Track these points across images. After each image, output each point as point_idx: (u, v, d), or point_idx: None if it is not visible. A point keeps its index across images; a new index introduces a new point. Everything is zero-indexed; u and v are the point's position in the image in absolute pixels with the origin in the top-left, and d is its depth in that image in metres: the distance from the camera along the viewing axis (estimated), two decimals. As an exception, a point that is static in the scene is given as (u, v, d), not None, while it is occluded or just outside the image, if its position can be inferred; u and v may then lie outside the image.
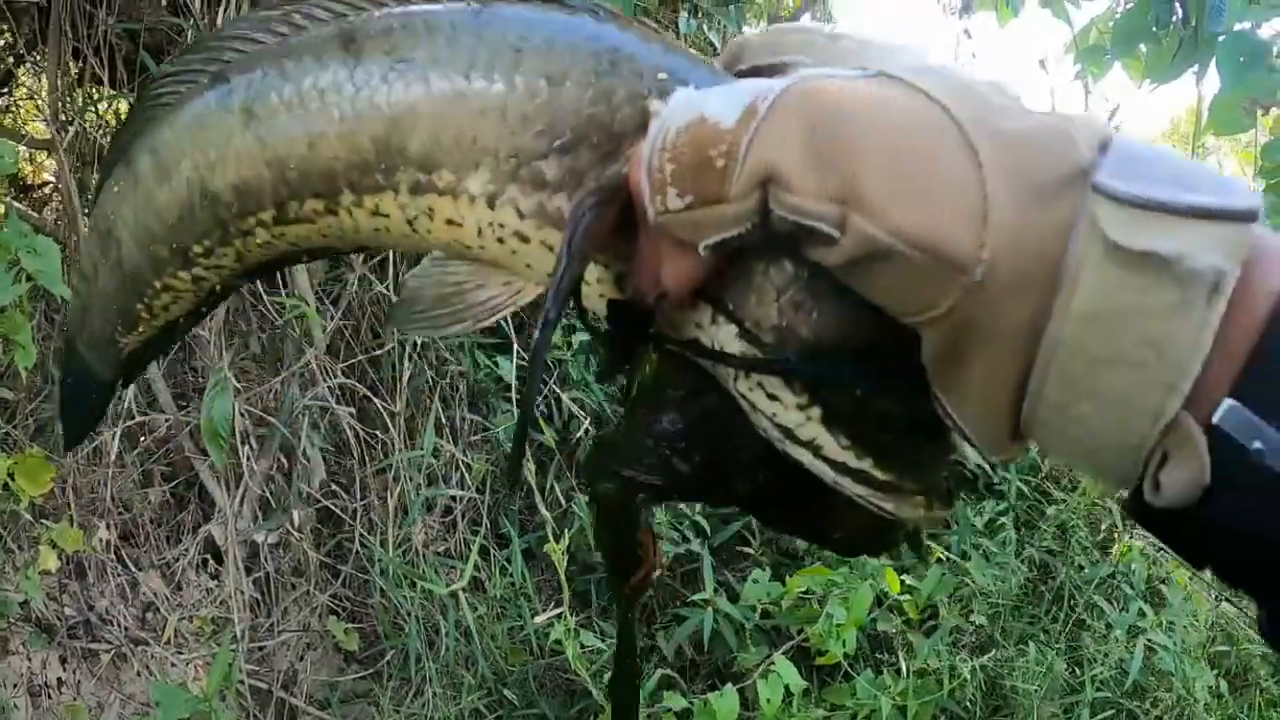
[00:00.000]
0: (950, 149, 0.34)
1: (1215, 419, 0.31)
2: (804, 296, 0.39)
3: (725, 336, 0.41)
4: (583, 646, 1.82)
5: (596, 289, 0.46)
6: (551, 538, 1.82)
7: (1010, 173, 0.33)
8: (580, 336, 2.10)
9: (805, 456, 0.41)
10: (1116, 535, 2.46)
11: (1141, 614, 2.23)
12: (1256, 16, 1.97)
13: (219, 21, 1.75)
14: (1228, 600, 2.37)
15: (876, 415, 0.40)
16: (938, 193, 0.33)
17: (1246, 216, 0.31)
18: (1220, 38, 2.00)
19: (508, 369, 2.04)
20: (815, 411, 0.40)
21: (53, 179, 2.27)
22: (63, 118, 1.80)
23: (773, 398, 0.40)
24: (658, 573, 0.50)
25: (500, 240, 0.45)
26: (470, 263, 0.49)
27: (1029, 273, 0.32)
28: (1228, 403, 0.31)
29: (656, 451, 0.44)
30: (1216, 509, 0.32)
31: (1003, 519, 2.35)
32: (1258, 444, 0.30)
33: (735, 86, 0.39)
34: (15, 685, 1.98)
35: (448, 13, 0.47)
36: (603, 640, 1.89)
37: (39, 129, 2.08)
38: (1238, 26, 1.99)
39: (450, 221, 0.46)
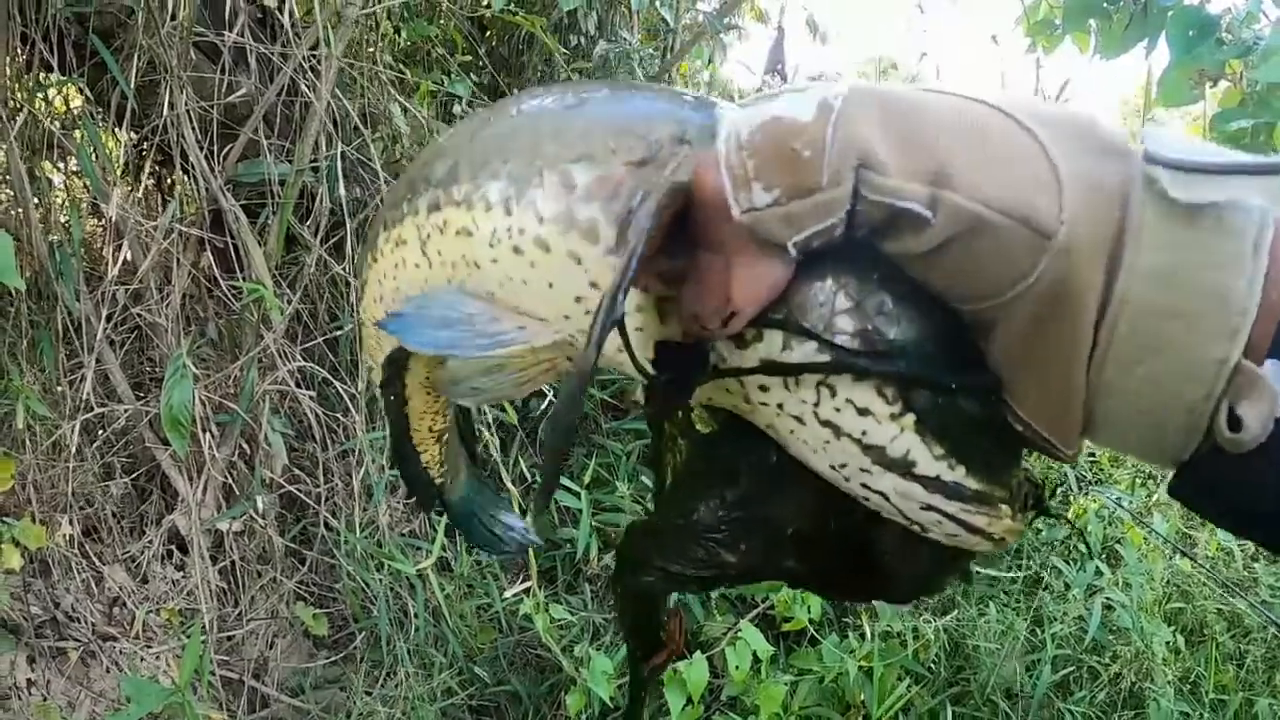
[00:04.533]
0: (1007, 127, 0.36)
1: (1261, 370, 0.34)
2: (882, 297, 0.38)
3: (805, 354, 0.39)
4: (552, 619, 1.84)
5: (636, 319, 0.42)
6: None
7: (1064, 144, 0.35)
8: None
9: (892, 483, 0.39)
10: (1072, 498, 2.51)
11: (1099, 573, 2.28)
12: (1206, -10, 2.02)
13: (169, 6, 1.74)
14: (1183, 554, 2.43)
15: (965, 418, 0.39)
16: (1015, 164, 0.35)
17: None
18: (1170, 12, 2.04)
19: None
20: (908, 419, 0.38)
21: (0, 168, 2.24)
22: (11, 104, 1.78)
23: (863, 412, 0.39)
24: (679, 655, 0.49)
25: (516, 249, 0.42)
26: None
27: (1100, 235, 0.34)
28: (1270, 363, 0.34)
29: (704, 545, 0.42)
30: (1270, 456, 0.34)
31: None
32: None
33: (790, 93, 0.39)
34: (-17, 689, 1.96)
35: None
36: (571, 614, 1.91)
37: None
38: (1187, 0, 2.04)
39: (462, 231, 0.44)
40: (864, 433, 0.39)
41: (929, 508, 0.39)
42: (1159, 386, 0.35)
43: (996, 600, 2.19)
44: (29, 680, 2.04)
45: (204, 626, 1.92)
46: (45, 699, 1.99)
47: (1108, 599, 2.21)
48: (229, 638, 2.03)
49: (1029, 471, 0.41)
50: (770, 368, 0.39)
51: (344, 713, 1.92)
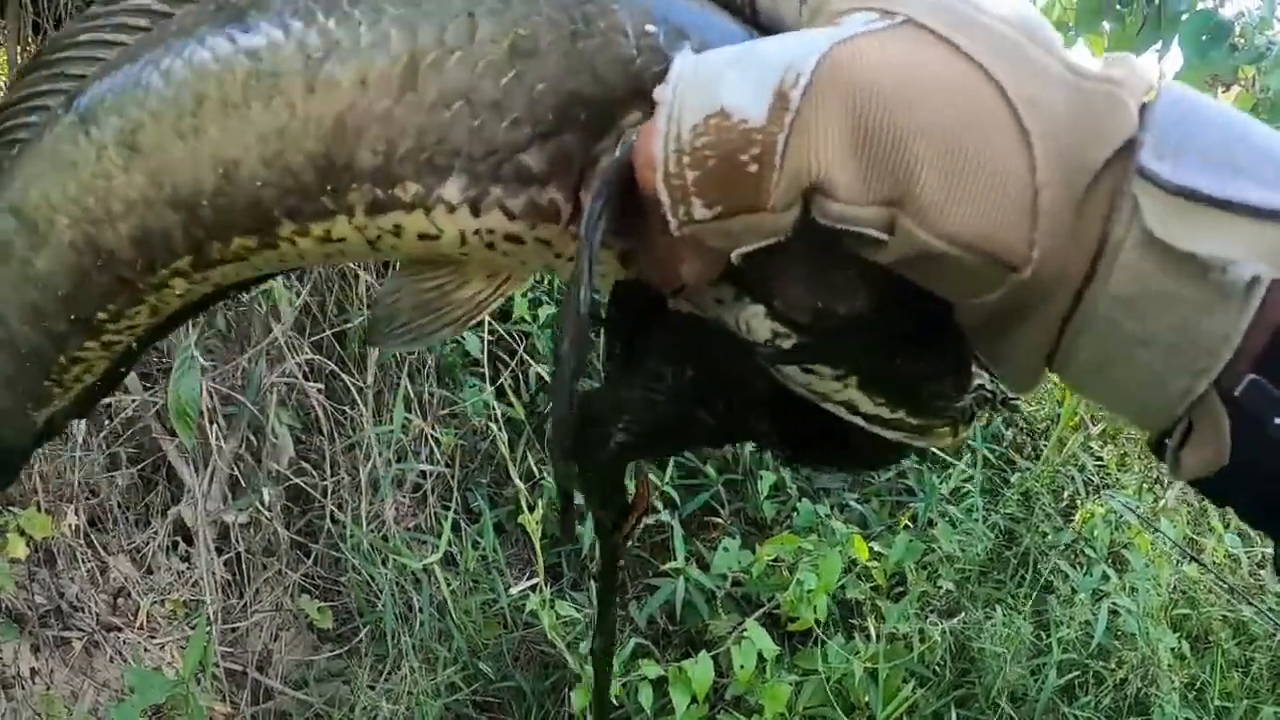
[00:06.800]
0: (1000, 132, 0.31)
1: (1237, 392, 0.31)
2: (838, 273, 0.36)
3: (751, 315, 0.38)
4: (558, 616, 1.83)
5: (599, 271, 0.41)
6: (525, 509, 1.83)
7: (1059, 155, 0.31)
8: (547, 310, 2.11)
9: (836, 409, 0.40)
10: (1079, 502, 2.51)
11: (1105, 578, 2.27)
12: (1219, -5, 2.02)
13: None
14: (1194, 560, 2.42)
15: (911, 372, 0.39)
16: (990, 188, 0.31)
17: None
18: (1183, 16, 2.04)
19: (474, 344, 2.04)
20: (852, 380, 0.38)
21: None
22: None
23: (808, 371, 0.39)
24: (648, 517, 0.49)
25: (490, 245, 0.40)
26: (447, 265, 0.43)
27: (1073, 261, 0.32)
28: (1249, 377, 0.31)
29: (675, 405, 0.42)
30: (1236, 475, 0.32)
31: (968, 486, 2.39)
32: (1277, 420, 0.31)
33: (750, 58, 0.33)
34: (-13, 678, 1.97)
35: None
36: (578, 610, 1.91)
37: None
38: (1200, 5, 2.04)
39: (425, 235, 0.40)
40: (808, 384, 0.39)
41: (872, 427, 0.40)
42: (1123, 393, 0.34)
43: (1003, 604, 2.18)
44: (33, 669, 2.04)
45: (208, 618, 1.92)
46: (49, 688, 1.99)
47: (1114, 604, 2.20)
48: (233, 630, 2.03)
49: (982, 386, 0.41)
50: (725, 334, 0.40)
51: (347, 706, 1.92)
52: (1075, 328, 0.33)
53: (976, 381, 0.41)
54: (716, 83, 0.33)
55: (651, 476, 2.11)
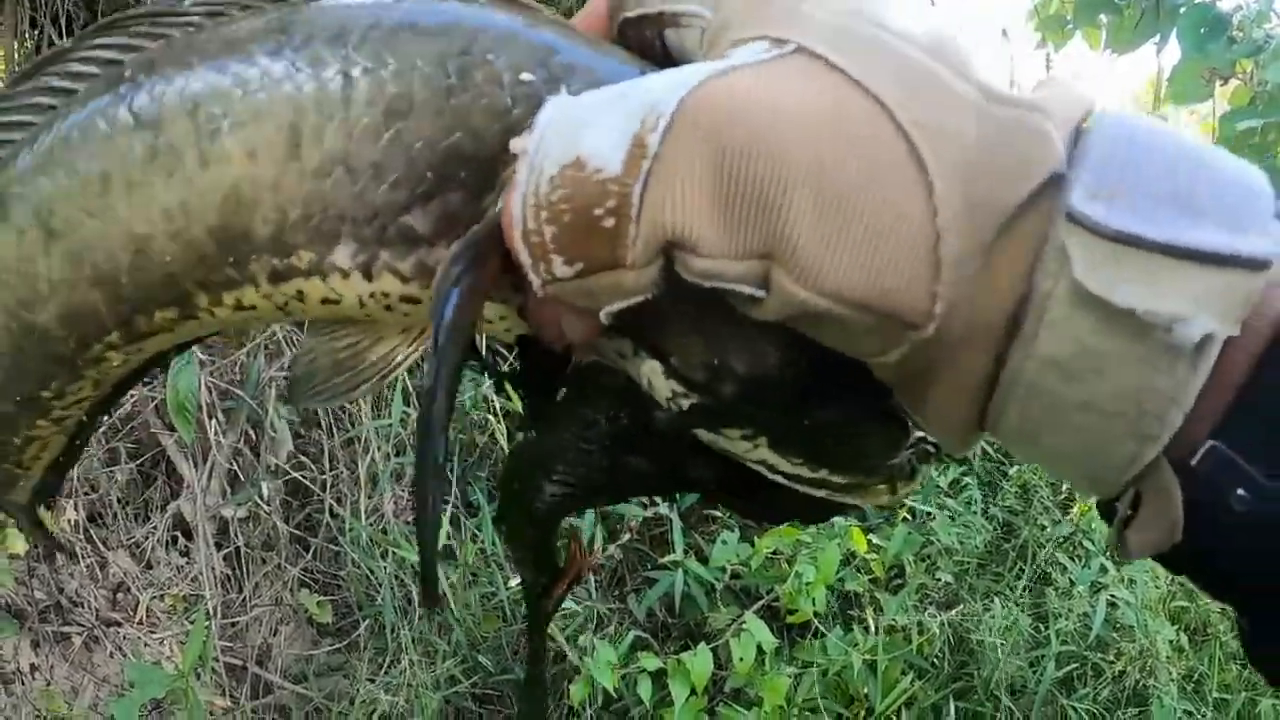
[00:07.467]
0: (896, 173, 0.27)
1: (1194, 461, 0.27)
2: (733, 330, 0.34)
3: (650, 372, 0.36)
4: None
5: (500, 325, 0.40)
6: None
7: (968, 198, 0.27)
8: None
9: (759, 469, 0.38)
10: (1077, 495, 2.51)
11: (1103, 569, 2.28)
12: (1218, -11, 2.03)
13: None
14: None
15: (826, 430, 0.36)
16: (881, 237, 0.27)
17: (1258, 265, 0.26)
18: (1181, 9, 2.04)
19: (475, 337, 2.04)
20: (761, 440, 0.36)
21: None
22: (19, 90, 1.78)
23: (714, 431, 0.37)
24: (584, 575, 0.46)
25: (388, 308, 0.39)
26: (358, 324, 0.42)
27: (988, 319, 0.28)
28: (1208, 443, 0.27)
29: (609, 453, 0.40)
30: (1192, 555, 0.29)
31: (966, 479, 2.39)
32: (1240, 491, 0.27)
33: (616, 97, 0.31)
34: (-13, 674, 1.97)
35: (250, 27, 0.38)
36: (577, 604, 1.91)
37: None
38: (1198, -1, 2.04)
39: (327, 300, 0.39)
40: (714, 441, 0.37)
41: (797, 485, 0.38)
42: (1059, 461, 0.30)
43: (1001, 596, 2.18)
44: (32, 665, 2.04)
45: (208, 612, 1.92)
46: (49, 684, 2.00)
47: (1112, 596, 2.21)
48: (233, 624, 2.03)
49: (924, 439, 0.38)
50: (627, 393, 0.38)
51: (347, 700, 1.92)
52: (1001, 392, 0.29)
53: (916, 434, 0.38)
54: (579, 129, 0.30)
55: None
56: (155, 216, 0.38)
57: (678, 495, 2.14)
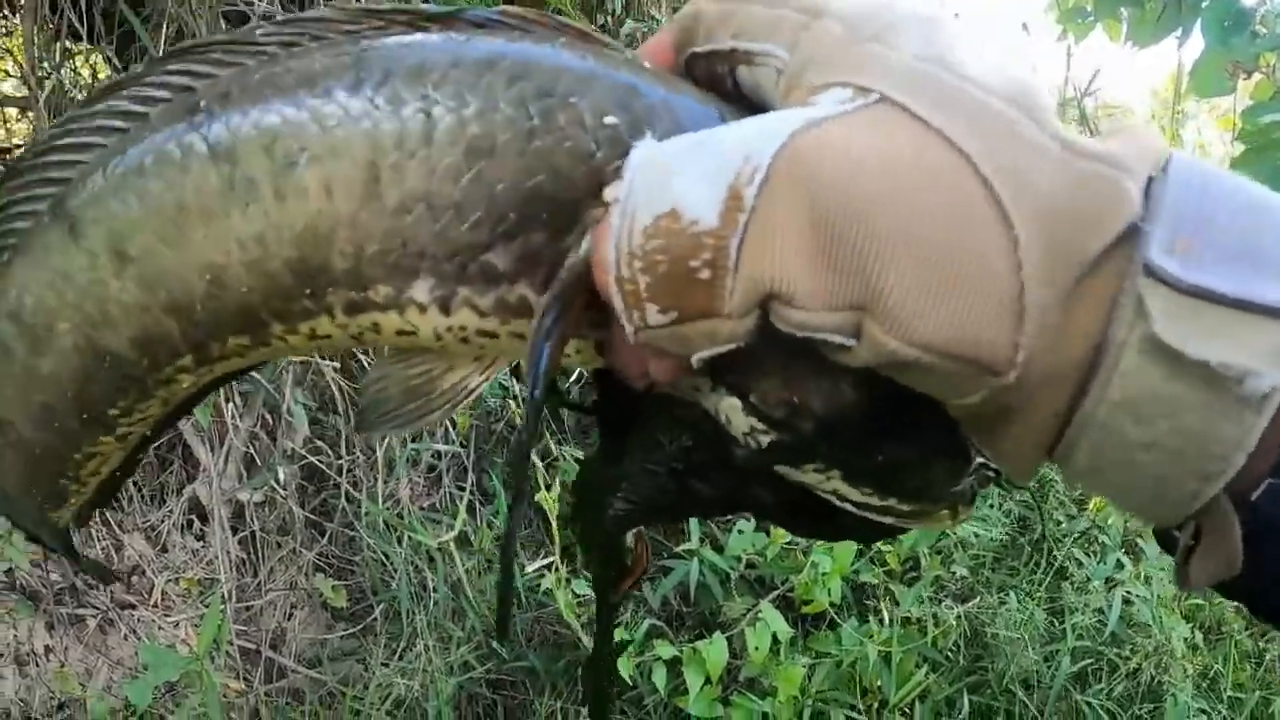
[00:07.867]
0: (980, 224, 0.28)
1: (1254, 496, 0.29)
2: (815, 370, 0.35)
3: (729, 408, 0.37)
4: (573, 595, 1.84)
5: (576, 359, 0.41)
6: (542, 488, 1.83)
7: (1048, 248, 0.29)
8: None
9: (828, 498, 0.39)
10: (1094, 490, 2.50)
11: (1119, 565, 2.27)
12: (1241, -18, 2.01)
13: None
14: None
15: (899, 463, 0.38)
16: (968, 288, 0.28)
17: None
18: (1204, 3, 2.03)
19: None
20: (835, 473, 0.38)
21: (23, 143, 2.24)
22: (40, 73, 1.78)
23: (791, 466, 0.39)
24: (649, 570, 0.49)
25: (464, 340, 0.40)
26: (431, 353, 0.43)
27: (1064, 364, 0.29)
28: (1268, 482, 0.29)
29: (674, 477, 0.41)
30: (1249, 580, 0.30)
31: (983, 473, 2.38)
32: None
33: (709, 147, 0.31)
34: (2, 655, 1.97)
35: (325, 62, 0.38)
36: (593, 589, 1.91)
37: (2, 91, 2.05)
38: (1221, -9, 2.03)
39: (402, 332, 0.40)
40: (788, 472, 0.39)
41: (864, 513, 0.39)
42: (1125, 495, 0.32)
43: (1017, 590, 2.18)
44: (47, 647, 2.05)
45: (223, 596, 1.92)
46: (63, 665, 2.00)
47: (1128, 592, 2.20)
48: (247, 608, 2.03)
49: (985, 464, 0.39)
50: (706, 421, 0.39)
51: (361, 685, 1.92)
52: (1073, 431, 0.30)
53: (977, 461, 0.39)
54: (669, 177, 0.31)
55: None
56: (232, 247, 0.39)
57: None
